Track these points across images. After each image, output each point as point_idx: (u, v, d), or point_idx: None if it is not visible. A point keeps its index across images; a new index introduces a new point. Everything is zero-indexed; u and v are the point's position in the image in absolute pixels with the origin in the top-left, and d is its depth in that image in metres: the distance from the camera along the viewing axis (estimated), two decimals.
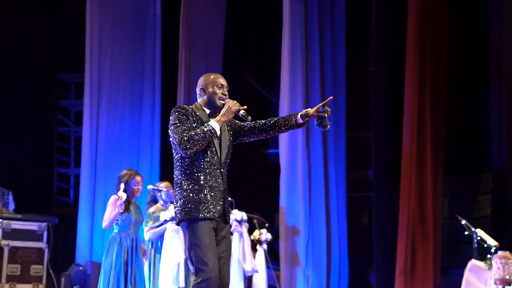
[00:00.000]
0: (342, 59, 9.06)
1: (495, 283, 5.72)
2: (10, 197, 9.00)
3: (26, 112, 10.39)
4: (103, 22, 9.55)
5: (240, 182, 10.16)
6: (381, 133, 7.78)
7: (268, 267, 7.50)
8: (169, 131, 4.20)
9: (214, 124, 4.14)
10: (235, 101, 4.27)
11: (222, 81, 4.43)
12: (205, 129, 4.10)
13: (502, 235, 7.19)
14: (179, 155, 4.20)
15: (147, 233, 6.49)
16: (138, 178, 6.38)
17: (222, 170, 4.25)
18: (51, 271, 8.39)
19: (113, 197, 6.28)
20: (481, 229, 6.40)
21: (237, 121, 4.42)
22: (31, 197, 9.85)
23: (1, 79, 10.20)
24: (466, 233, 6.45)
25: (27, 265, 8.14)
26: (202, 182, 4.13)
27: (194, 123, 4.20)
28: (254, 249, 7.37)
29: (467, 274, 6.25)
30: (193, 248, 4.00)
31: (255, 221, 7.62)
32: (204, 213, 4.06)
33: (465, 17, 8.57)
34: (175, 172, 4.23)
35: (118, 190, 6.26)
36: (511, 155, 7.55)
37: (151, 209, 6.67)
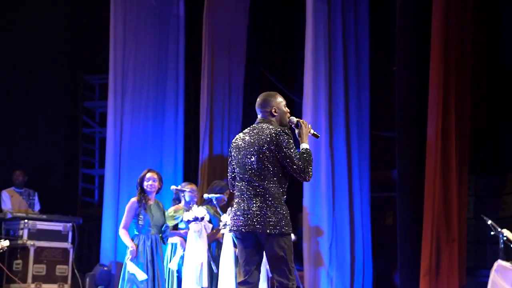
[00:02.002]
0: (366, 59, 9.00)
1: None
2: (36, 198, 9.10)
3: (51, 113, 10.51)
4: (127, 23, 9.61)
5: None
6: (405, 133, 7.71)
7: None
8: (283, 154, 4.32)
9: (307, 146, 4.44)
10: (303, 120, 4.57)
11: (284, 101, 4.64)
12: (310, 153, 4.40)
13: None
14: (281, 173, 4.36)
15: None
16: (148, 174, 6.36)
17: None
18: (76, 271, 8.47)
19: (131, 201, 6.31)
20: (507, 229, 6.32)
21: None
22: (56, 197, 9.96)
23: (26, 81, 10.33)
24: (492, 233, 6.38)
25: (52, 265, 8.22)
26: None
27: None
28: None
29: (493, 275, 6.18)
30: (290, 261, 4.33)
31: None
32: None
33: (490, 14, 8.47)
34: (270, 186, 4.32)
35: (136, 189, 6.30)
36: None
37: (171, 209, 6.70)
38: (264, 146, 4.32)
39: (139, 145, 9.50)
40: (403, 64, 7.81)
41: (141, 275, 6.03)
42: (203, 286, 6.12)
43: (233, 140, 4.54)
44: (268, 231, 4.25)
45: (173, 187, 6.83)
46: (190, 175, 10.02)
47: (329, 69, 8.62)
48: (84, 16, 10.81)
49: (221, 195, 7.14)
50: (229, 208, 7.08)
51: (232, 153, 4.48)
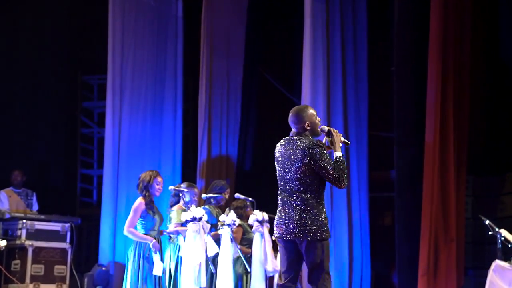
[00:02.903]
0: (364, 59, 9.01)
1: None
2: (34, 198, 9.09)
3: (50, 113, 10.50)
4: (125, 23, 9.61)
5: (262, 182, 10.15)
6: (404, 133, 7.71)
7: None
8: (319, 166, 4.53)
9: (340, 154, 4.65)
10: (334, 128, 4.74)
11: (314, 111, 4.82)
12: (343, 161, 4.63)
13: None
14: (318, 182, 4.58)
15: (174, 229, 6.53)
16: (159, 178, 6.42)
17: None
18: (74, 271, 8.46)
19: (138, 201, 6.32)
20: (505, 229, 6.32)
21: None
22: (54, 197, 9.95)
23: (25, 81, 10.32)
24: (490, 233, 6.38)
25: (50, 265, 8.21)
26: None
27: None
28: (275, 250, 7.35)
29: (491, 275, 6.18)
30: (326, 267, 4.58)
31: None
32: None
33: (489, 14, 8.48)
34: (308, 196, 4.56)
35: (141, 191, 6.31)
36: None
37: (175, 208, 6.71)
38: (299, 161, 4.56)
39: (137, 145, 9.50)
40: (401, 65, 7.82)
41: (159, 270, 6.14)
42: (201, 286, 6.12)
43: (275, 151, 4.78)
44: (309, 238, 4.53)
45: (171, 187, 6.83)
46: (188, 175, 10.02)
47: (327, 69, 8.62)
48: (83, 16, 10.81)
49: (221, 195, 7.15)
50: (227, 208, 7.09)
51: (275, 164, 4.75)
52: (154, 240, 6.24)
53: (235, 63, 10.07)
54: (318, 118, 4.75)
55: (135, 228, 6.27)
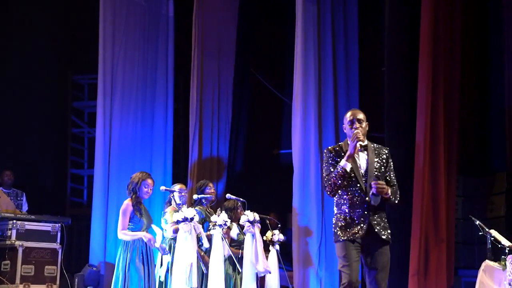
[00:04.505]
0: (355, 59, 9.03)
1: (510, 284, 5.68)
2: (24, 199, 9.06)
3: (40, 113, 10.46)
4: (116, 23, 9.60)
5: (253, 183, 10.16)
6: (394, 134, 7.73)
7: (280, 267, 7.48)
8: (393, 172, 4.98)
9: (342, 162, 4.78)
10: (356, 132, 4.81)
11: (350, 116, 4.96)
12: (337, 169, 4.76)
13: None
14: None
15: (171, 228, 6.53)
16: (149, 181, 6.39)
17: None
18: (64, 271, 8.43)
19: (125, 204, 6.31)
20: (495, 229, 6.34)
21: (389, 173, 4.96)
22: (45, 198, 9.91)
23: (15, 81, 10.28)
24: (480, 233, 6.40)
25: (41, 266, 8.19)
26: None
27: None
28: (266, 250, 7.36)
29: (481, 275, 6.21)
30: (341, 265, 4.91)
31: (267, 222, 7.62)
32: None
33: (479, 15, 8.51)
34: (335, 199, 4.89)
35: (129, 192, 6.30)
36: None
37: (168, 209, 6.71)
38: None
39: (128, 145, 9.49)
40: (392, 65, 7.84)
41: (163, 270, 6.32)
42: (193, 287, 6.11)
43: None
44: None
45: (162, 188, 6.82)
46: (179, 175, 10.01)
47: (318, 69, 8.63)
48: (74, 16, 10.78)
49: (211, 195, 7.15)
50: (219, 209, 7.09)
51: None
52: (145, 233, 6.22)
53: (226, 63, 10.07)
54: (347, 122, 4.93)
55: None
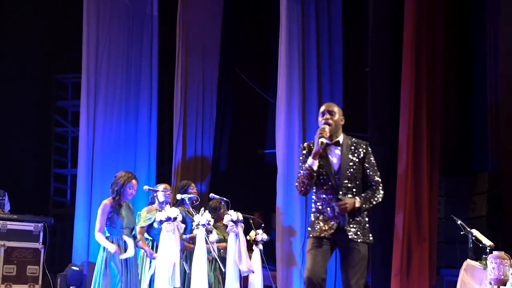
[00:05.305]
0: (339, 59, 9.06)
1: (490, 283, 5.72)
2: (6, 198, 8.99)
3: (23, 112, 10.39)
4: (100, 22, 9.56)
5: (237, 183, 10.17)
6: (378, 133, 7.76)
7: (264, 267, 7.50)
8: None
9: (309, 160, 4.56)
10: (320, 129, 4.60)
11: (322, 108, 4.78)
12: (304, 169, 4.58)
13: (498, 235, 7.18)
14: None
15: (139, 234, 6.54)
16: (134, 182, 6.36)
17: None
18: (47, 271, 8.39)
19: (103, 204, 6.28)
20: (477, 229, 6.39)
21: (368, 170, 4.69)
22: (28, 197, 9.85)
23: None
24: (461, 233, 6.44)
25: (23, 266, 8.13)
26: None
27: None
28: (250, 250, 7.37)
29: (462, 274, 6.25)
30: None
31: (251, 221, 7.63)
32: None
33: (462, 16, 8.57)
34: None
35: (112, 192, 6.28)
36: (507, 155, 7.55)
37: (144, 209, 6.69)
38: None
39: (112, 144, 9.46)
40: (376, 66, 7.87)
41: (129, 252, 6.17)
42: (176, 287, 6.11)
43: None
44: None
45: (146, 187, 6.81)
46: (164, 175, 9.99)
47: (302, 69, 8.66)
48: (57, 14, 10.72)
49: (194, 195, 7.14)
50: (202, 208, 7.08)
51: None
52: (115, 248, 6.17)
53: (210, 62, 10.07)
54: (319, 114, 4.74)
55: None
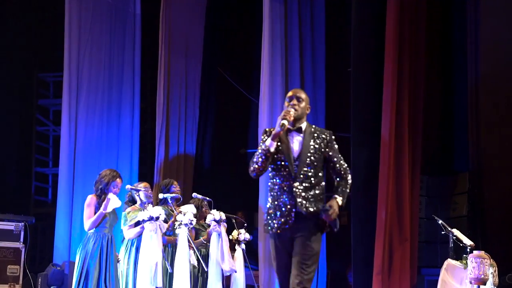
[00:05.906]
0: (322, 59, 9.10)
1: (471, 282, 5.78)
2: None
3: (5, 111, 10.30)
4: (82, 21, 9.50)
5: (220, 182, 10.17)
6: (360, 134, 7.80)
7: (246, 266, 7.50)
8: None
9: (268, 141, 4.35)
10: (286, 111, 4.38)
11: (289, 93, 4.56)
12: (259, 148, 4.39)
13: (478, 235, 7.26)
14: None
15: (128, 232, 6.50)
16: (118, 180, 6.31)
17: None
18: (28, 271, 8.33)
19: (89, 197, 6.25)
20: (457, 229, 6.45)
21: (335, 158, 4.53)
22: (8, 196, 9.78)
23: None
24: (442, 233, 6.49)
25: (3, 265, 8.08)
26: None
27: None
28: (232, 249, 7.37)
29: (443, 274, 6.30)
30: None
31: (234, 221, 7.63)
32: None
33: (443, 17, 8.64)
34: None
35: (96, 190, 6.24)
36: (487, 155, 7.62)
37: (128, 209, 6.66)
38: None
39: (94, 143, 9.41)
40: (358, 66, 7.90)
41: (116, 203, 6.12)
42: (158, 286, 6.09)
43: None
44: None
45: (128, 186, 6.78)
46: (146, 174, 9.97)
47: (285, 69, 8.68)
48: (39, 13, 10.64)
49: (177, 194, 7.12)
50: (181, 207, 7.07)
51: None
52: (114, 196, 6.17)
53: (193, 62, 10.06)
54: (286, 102, 4.48)
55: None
